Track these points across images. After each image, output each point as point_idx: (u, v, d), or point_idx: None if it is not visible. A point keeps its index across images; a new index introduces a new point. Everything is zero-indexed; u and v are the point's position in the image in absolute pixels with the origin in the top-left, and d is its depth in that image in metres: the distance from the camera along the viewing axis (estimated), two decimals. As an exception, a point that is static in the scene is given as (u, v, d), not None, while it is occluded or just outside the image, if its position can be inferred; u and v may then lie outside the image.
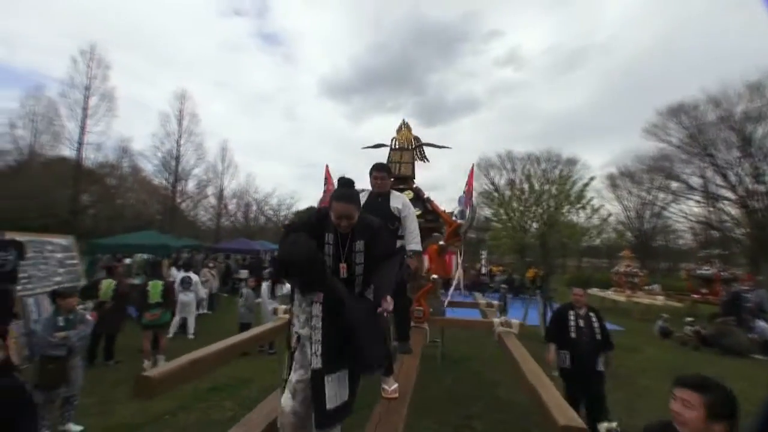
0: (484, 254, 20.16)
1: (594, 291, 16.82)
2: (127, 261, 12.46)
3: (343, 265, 2.03)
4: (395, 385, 2.25)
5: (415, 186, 5.00)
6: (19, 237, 5.68)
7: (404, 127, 5.37)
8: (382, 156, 5.23)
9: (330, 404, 1.60)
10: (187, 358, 2.58)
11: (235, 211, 31.22)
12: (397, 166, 5.02)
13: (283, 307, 3.99)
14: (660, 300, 13.20)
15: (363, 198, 3.32)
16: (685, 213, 25.59)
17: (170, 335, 6.92)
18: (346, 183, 2.00)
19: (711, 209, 23.44)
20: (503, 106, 61.87)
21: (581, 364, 3.77)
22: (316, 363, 1.62)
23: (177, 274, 7.34)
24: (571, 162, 28.76)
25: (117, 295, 5.77)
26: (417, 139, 5.33)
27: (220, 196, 28.54)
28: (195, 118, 24.28)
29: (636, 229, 29.55)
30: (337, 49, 68.79)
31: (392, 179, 5.05)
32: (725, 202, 22.54)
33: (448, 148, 5.53)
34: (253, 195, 31.01)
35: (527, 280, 17.04)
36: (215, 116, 48.05)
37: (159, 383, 2.15)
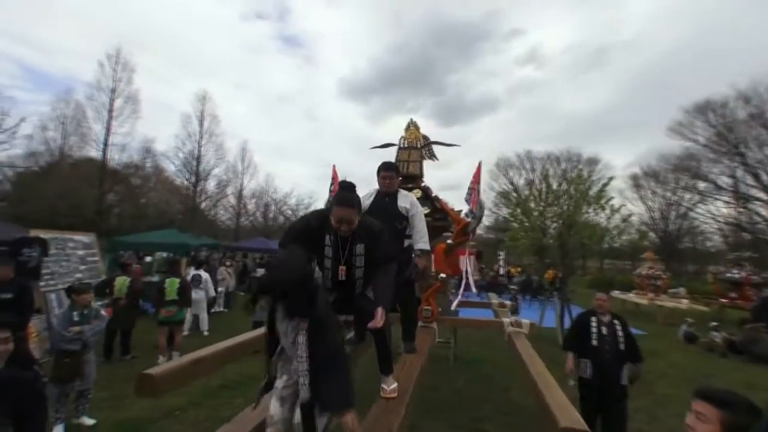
0: (502, 255, 19.83)
1: (615, 293, 16.33)
2: (148, 259, 12.81)
3: (342, 268, 2.04)
4: (394, 385, 2.20)
5: (423, 185, 4.93)
6: (42, 234, 5.91)
7: (412, 125, 5.31)
8: (390, 155, 5.20)
9: None
10: (190, 357, 2.60)
11: (254, 211, 31.75)
12: (405, 165, 4.97)
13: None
14: (685, 304, 12.66)
15: (370, 198, 3.30)
16: (713, 214, 24.62)
17: (186, 332, 7.06)
18: (346, 187, 1.99)
19: (741, 210, 22.44)
20: (523, 105, 61.08)
21: (602, 374, 3.47)
22: (305, 394, 1.54)
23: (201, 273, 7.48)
24: (593, 162, 28.05)
25: (131, 291, 5.91)
26: (426, 137, 5.27)
27: (239, 195, 29.08)
28: (215, 120, 24.85)
29: (660, 231, 28.58)
30: (356, 50, 69.35)
31: (400, 179, 5.09)
32: (756, 202, 21.54)
33: (456, 146, 5.45)
34: (271, 195, 31.50)
35: (545, 282, 16.69)
36: (236, 117, 49.03)
37: (161, 382, 2.16)
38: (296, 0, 67.16)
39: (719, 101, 21.92)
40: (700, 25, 45.37)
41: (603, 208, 9.25)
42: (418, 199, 4.79)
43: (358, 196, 2.00)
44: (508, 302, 5.67)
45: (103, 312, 4.12)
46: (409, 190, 4.88)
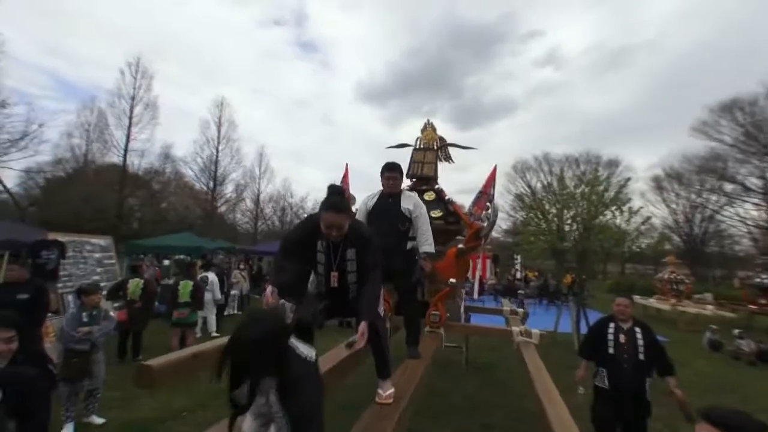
0: (518, 259, 19.47)
1: (635, 298, 15.81)
2: (166, 262, 13.10)
3: (334, 274, 2.02)
4: (390, 390, 2.12)
5: (437, 187, 4.86)
6: (60, 237, 6.09)
7: (429, 126, 5.26)
8: (404, 156, 5.15)
9: None
10: (190, 351, 2.59)
11: (271, 215, 32.17)
12: (420, 166, 4.91)
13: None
14: (710, 310, 12.10)
15: (374, 199, 3.25)
16: (741, 217, 23.58)
17: (198, 334, 7.14)
18: (335, 192, 1.95)
19: (772, 212, 21.43)
20: (542, 107, 60.30)
21: (619, 386, 3.18)
22: None
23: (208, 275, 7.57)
24: (613, 164, 27.33)
25: (145, 293, 6.01)
26: (442, 139, 5.20)
27: (257, 200, 29.50)
28: (233, 125, 25.31)
29: (684, 234, 27.55)
30: (373, 54, 69.95)
31: (414, 180, 5.03)
32: (789, 204, 20.54)
33: (473, 149, 5.36)
34: (288, 199, 31.86)
35: (564, 286, 16.30)
36: (255, 123, 50.02)
37: (159, 374, 2.14)
38: (313, 6, 68.36)
39: (747, 99, 21.05)
40: (723, 23, 44.04)
41: (621, 211, 8.91)
42: (431, 201, 4.77)
43: (347, 201, 1.98)
44: (521, 310, 5.50)
45: (112, 313, 4.19)
46: (423, 192, 4.83)
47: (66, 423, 3.76)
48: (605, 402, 3.26)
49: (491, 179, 4.07)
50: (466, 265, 5.04)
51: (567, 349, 7.22)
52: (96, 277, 6.52)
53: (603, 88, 57.47)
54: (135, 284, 5.95)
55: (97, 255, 6.76)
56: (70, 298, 6.03)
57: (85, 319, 3.80)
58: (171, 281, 9.02)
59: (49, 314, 5.07)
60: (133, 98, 20.96)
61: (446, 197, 4.63)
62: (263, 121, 52.64)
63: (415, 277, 3.03)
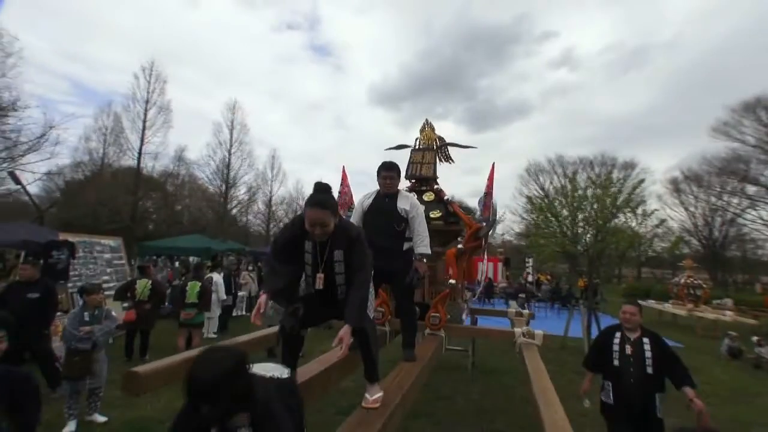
0: (530, 262, 19.16)
1: (650, 303, 15.33)
2: (177, 264, 13.32)
3: (320, 275, 1.97)
4: (378, 395, 2.06)
5: (436, 187, 4.79)
6: (71, 238, 6.22)
7: (427, 126, 5.18)
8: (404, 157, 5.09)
9: None
10: (181, 357, 2.60)
11: (282, 217, 32.44)
12: (418, 167, 4.84)
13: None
14: (729, 316, 11.64)
15: (370, 198, 3.22)
16: (764, 220, 22.73)
17: (208, 335, 7.20)
18: (320, 188, 1.91)
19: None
20: (557, 109, 59.57)
21: (625, 402, 2.94)
22: None
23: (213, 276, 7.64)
24: (628, 166, 26.71)
25: (153, 293, 6.09)
26: (441, 139, 5.13)
27: (269, 202, 29.79)
28: (245, 128, 25.65)
29: (704, 238, 26.70)
30: (386, 57, 70.30)
31: (413, 181, 4.98)
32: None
33: (473, 148, 5.28)
34: (299, 202, 32.07)
35: (577, 290, 15.94)
36: (269, 126, 50.57)
37: (146, 380, 2.17)
38: (326, 10, 68.97)
39: (772, 98, 20.33)
40: (746, 21, 42.68)
41: (634, 213, 8.65)
42: (430, 202, 4.71)
43: (332, 198, 1.92)
44: (525, 311, 5.38)
45: (114, 313, 4.23)
46: (422, 192, 4.78)
47: (69, 420, 3.81)
48: (614, 420, 3.03)
49: (491, 177, 3.98)
50: (470, 266, 4.98)
51: (578, 354, 7.02)
52: (106, 277, 6.64)
53: (619, 89, 56.52)
54: (143, 285, 6.02)
55: (107, 255, 6.88)
56: (80, 297, 6.15)
57: (86, 319, 3.84)
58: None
59: (59, 313, 5.18)
60: (147, 102, 21.47)
61: (445, 197, 4.55)
62: (277, 124, 53.32)
63: (409, 279, 2.96)
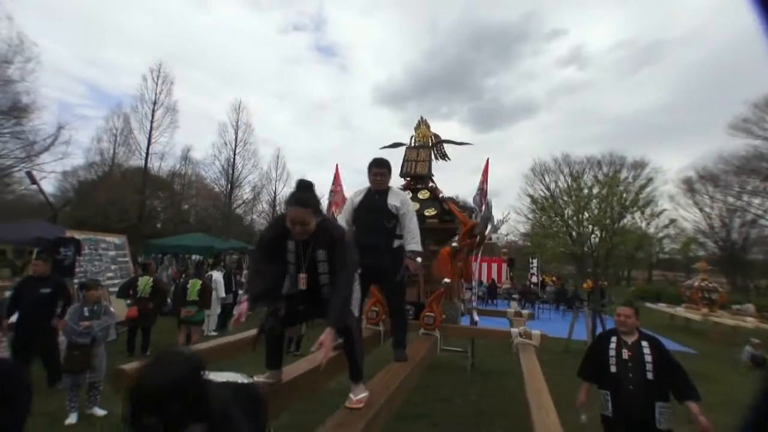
0: (534, 263, 18.94)
1: (660, 306, 15.04)
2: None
3: (302, 276, 1.94)
4: (362, 395, 2.04)
5: (431, 185, 4.76)
6: (77, 235, 6.33)
7: (423, 124, 5.16)
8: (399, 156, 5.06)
9: None
10: None
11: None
12: (413, 165, 4.81)
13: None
14: (750, 322, 11.01)
15: (360, 195, 3.20)
16: (790, 221, 22.00)
17: (207, 333, 7.26)
18: (302, 186, 1.89)
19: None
20: (565, 108, 58.95)
21: (624, 410, 2.75)
22: None
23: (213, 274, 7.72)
24: (638, 165, 26.16)
25: (154, 291, 6.16)
26: (436, 136, 5.10)
27: (273, 202, 29.94)
28: (249, 128, 25.84)
29: (721, 240, 26.02)
30: (391, 57, 70.29)
31: (407, 178, 4.94)
32: None
33: (469, 144, 5.26)
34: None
35: (583, 292, 15.73)
36: (274, 126, 50.80)
37: (134, 377, 2.19)
38: (332, 10, 69.14)
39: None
40: (765, 16, 41.53)
41: (642, 213, 8.41)
42: (425, 200, 4.68)
43: (314, 197, 1.89)
44: (525, 311, 5.32)
45: (111, 309, 4.29)
46: (417, 190, 4.75)
47: (70, 413, 3.90)
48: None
49: (485, 174, 3.93)
50: (467, 265, 4.93)
51: (581, 357, 6.90)
52: (110, 274, 6.74)
53: (631, 86, 55.62)
54: (144, 282, 6.10)
55: (111, 253, 6.99)
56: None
57: (86, 314, 3.91)
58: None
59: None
60: (154, 103, 21.78)
61: (440, 195, 4.51)
62: (283, 124, 53.51)
63: (399, 276, 2.94)
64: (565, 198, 9.32)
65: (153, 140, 21.86)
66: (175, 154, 24.89)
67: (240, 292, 10.16)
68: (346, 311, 1.83)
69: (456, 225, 4.43)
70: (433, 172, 4.81)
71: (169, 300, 7.31)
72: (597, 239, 8.68)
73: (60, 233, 6.59)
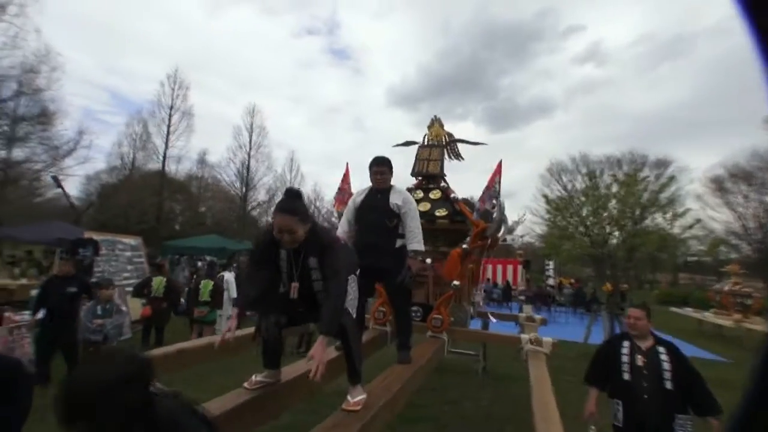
0: (550, 265, 18.47)
1: (686, 311, 14.44)
2: (199, 264, 13.75)
3: (294, 285, 1.90)
4: (360, 397, 1.99)
5: (443, 185, 4.68)
6: (95, 236, 6.51)
7: (436, 122, 5.08)
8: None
9: None
10: (175, 348, 2.64)
11: (299, 219, 32.85)
12: (425, 164, 4.74)
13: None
14: (795, 330, 10.46)
15: (362, 194, 3.17)
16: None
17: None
18: (290, 194, 1.86)
19: None
20: (582, 106, 57.69)
21: (637, 422, 2.52)
22: None
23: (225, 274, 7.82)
24: (661, 164, 25.21)
25: (168, 290, 6.27)
26: (450, 135, 5.01)
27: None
28: (263, 131, 26.26)
29: (757, 242, 24.68)
30: (404, 58, 70.24)
31: (419, 177, 4.88)
32: None
33: (483, 144, 5.14)
34: (317, 204, 32.43)
35: (602, 294, 15.28)
36: (288, 129, 51.28)
37: None
38: (345, 14, 69.60)
39: None
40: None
41: (663, 213, 8.03)
42: (437, 200, 4.61)
43: (303, 205, 1.85)
44: (538, 316, 5.17)
45: (123, 308, 4.37)
46: (429, 190, 4.68)
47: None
48: None
49: (496, 174, 3.83)
50: (476, 267, 4.83)
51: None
52: (126, 274, 6.91)
53: (653, 82, 53.85)
54: (158, 282, 6.21)
55: (127, 253, 7.16)
56: (101, 293, 6.44)
57: (99, 312, 4.00)
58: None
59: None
60: (171, 107, 22.52)
61: (452, 195, 4.42)
62: (297, 127, 53.96)
63: (401, 277, 2.88)
64: (582, 198, 9.05)
65: (170, 144, 22.51)
66: (191, 157, 25.53)
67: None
68: (337, 319, 1.77)
69: (468, 226, 4.34)
70: (447, 172, 4.74)
71: (182, 300, 7.43)
72: (615, 240, 8.41)
73: (80, 234, 6.80)
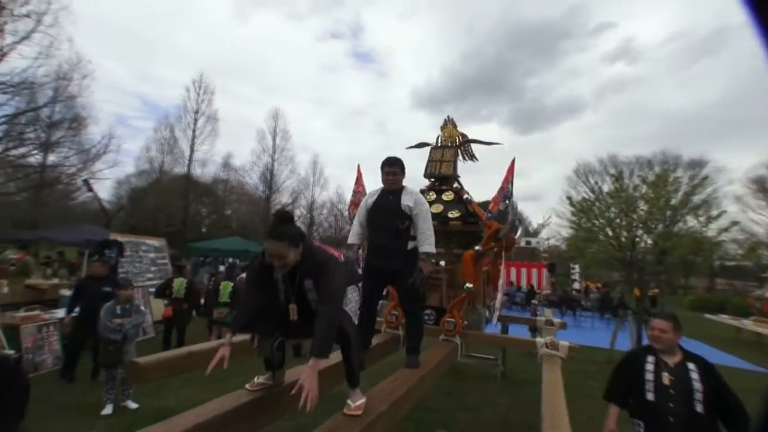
0: (576, 268, 17.89)
1: (722, 318, 13.65)
2: (221, 268, 14.07)
3: (292, 307, 1.88)
4: (360, 401, 1.94)
5: (456, 186, 4.59)
6: (120, 238, 6.75)
7: (449, 123, 5.01)
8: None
9: None
10: (186, 350, 2.67)
11: (321, 221, 33.22)
12: (437, 165, 4.67)
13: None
14: None
15: (374, 196, 3.13)
16: None
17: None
18: (280, 218, 1.83)
19: None
20: (612, 106, 55.99)
21: None
22: None
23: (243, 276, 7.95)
24: (696, 164, 23.98)
25: (188, 292, 6.42)
26: (463, 136, 4.93)
27: (310, 207, 30.67)
28: (287, 135, 26.72)
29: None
30: (428, 60, 70.18)
31: (431, 179, 4.80)
32: None
33: (498, 144, 5.02)
34: (338, 207, 32.66)
35: (630, 299, 14.68)
36: (312, 132, 51.98)
37: (147, 370, 2.28)
38: (369, 17, 70.14)
39: None
40: None
41: (695, 215, 7.59)
42: (449, 202, 4.53)
43: (292, 229, 1.80)
44: (557, 320, 4.99)
45: (142, 308, 4.49)
46: (442, 192, 4.60)
47: (106, 404, 4.16)
48: None
49: (509, 174, 3.72)
50: (492, 269, 4.71)
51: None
52: (149, 275, 7.12)
53: (689, 80, 51.64)
54: (179, 283, 6.37)
55: (151, 255, 7.39)
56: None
57: (118, 312, 4.12)
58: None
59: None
60: (196, 112, 23.23)
61: (465, 196, 4.32)
62: (321, 130, 54.60)
63: (413, 280, 2.82)
64: (609, 200, 8.70)
65: (195, 148, 23.19)
66: (216, 161, 26.26)
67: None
68: (329, 342, 1.72)
69: (480, 228, 4.24)
70: (465, 174, 4.66)
71: (203, 301, 7.59)
72: (643, 243, 8.03)
73: (106, 236, 7.07)
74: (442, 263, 4.14)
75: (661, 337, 2.41)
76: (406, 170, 3.07)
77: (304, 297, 1.86)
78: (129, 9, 41.68)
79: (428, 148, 4.88)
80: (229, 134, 51.41)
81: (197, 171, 24.61)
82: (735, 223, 18.90)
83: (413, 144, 5.08)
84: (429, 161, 4.70)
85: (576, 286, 17.48)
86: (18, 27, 11.01)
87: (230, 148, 37.60)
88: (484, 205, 4.06)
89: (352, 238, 3.19)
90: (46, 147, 13.98)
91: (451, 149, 4.75)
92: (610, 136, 51.68)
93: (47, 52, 11.35)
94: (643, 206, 7.31)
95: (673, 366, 2.35)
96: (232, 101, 48.03)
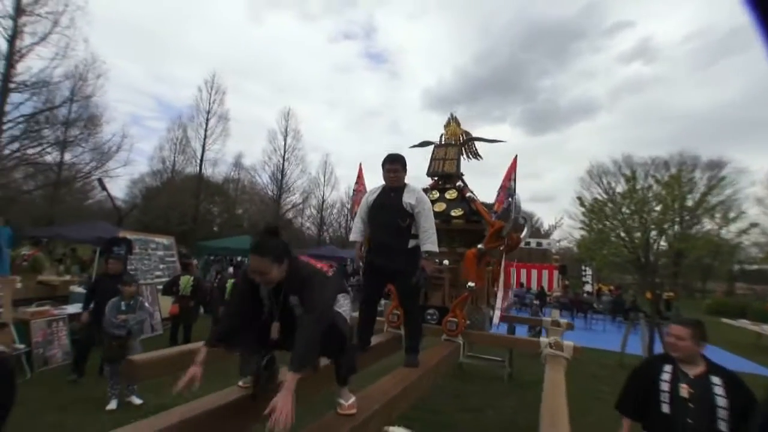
0: (588, 271, 17.57)
1: (742, 323, 13.24)
2: (230, 270, 14.26)
3: (275, 325, 1.79)
4: (352, 400, 1.90)
5: (459, 184, 4.53)
6: (129, 235, 6.84)
7: (452, 121, 4.95)
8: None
9: None
10: (178, 349, 2.68)
11: (331, 221, 33.37)
12: (441, 164, 4.62)
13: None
14: None
15: (375, 193, 3.10)
16: None
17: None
18: (266, 232, 1.78)
19: None
20: (628, 106, 55.10)
21: None
22: None
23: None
24: (715, 165, 23.39)
25: (195, 289, 6.47)
26: (467, 133, 4.87)
27: (321, 207, 30.83)
28: (298, 135, 26.91)
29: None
30: (440, 61, 69.98)
31: (434, 177, 4.74)
32: None
33: (501, 142, 4.95)
34: (349, 206, 32.72)
35: (643, 302, 14.32)
36: (324, 132, 52.38)
37: (141, 368, 2.29)
38: (381, 18, 70.26)
39: None
40: None
41: (711, 216, 7.33)
42: (452, 200, 4.47)
43: (277, 243, 1.72)
44: (564, 321, 4.88)
45: (146, 305, 4.54)
46: (445, 190, 4.54)
47: (111, 399, 4.20)
48: None
49: (511, 171, 3.65)
50: (497, 269, 4.62)
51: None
52: (158, 273, 7.21)
53: (708, 79, 50.60)
54: (186, 281, 6.43)
55: (160, 252, 7.49)
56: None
57: (123, 308, 4.17)
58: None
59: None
60: (208, 112, 23.55)
61: (468, 194, 4.26)
62: (333, 131, 55.02)
63: (415, 279, 2.78)
64: (621, 200, 8.49)
65: (207, 147, 23.50)
66: (227, 161, 26.58)
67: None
68: (312, 354, 1.63)
69: (484, 226, 4.17)
70: (471, 175, 4.60)
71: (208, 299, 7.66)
72: (656, 244, 7.80)
73: (115, 234, 7.18)
74: (446, 262, 4.09)
75: (677, 345, 2.18)
76: (408, 168, 3.03)
77: (290, 313, 1.77)
78: (144, 9, 42.57)
79: (432, 147, 4.83)
80: (240, 134, 52.10)
81: (208, 170, 24.97)
82: (754, 225, 18.31)
83: (416, 143, 5.04)
84: (432, 159, 4.65)
85: (587, 288, 17.19)
86: (36, 29, 11.35)
87: (241, 148, 38.14)
88: (490, 206, 4.00)
89: (354, 236, 3.16)
90: (63, 146, 14.32)
91: (454, 147, 4.69)
92: (626, 137, 50.86)
93: (64, 52, 11.66)
94: (656, 207, 7.08)
95: (693, 378, 2.11)
96: (244, 101, 48.76)
